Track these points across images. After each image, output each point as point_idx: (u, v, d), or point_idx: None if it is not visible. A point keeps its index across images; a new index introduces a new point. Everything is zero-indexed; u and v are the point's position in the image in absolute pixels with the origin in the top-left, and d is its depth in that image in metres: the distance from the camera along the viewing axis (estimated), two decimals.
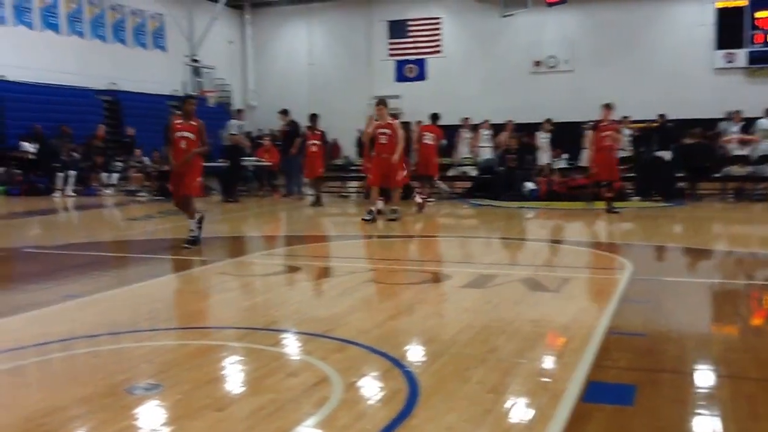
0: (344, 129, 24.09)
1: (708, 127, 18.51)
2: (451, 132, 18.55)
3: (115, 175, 19.72)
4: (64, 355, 4.69)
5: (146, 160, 19.89)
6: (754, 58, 24.34)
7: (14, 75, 20.10)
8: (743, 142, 16.70)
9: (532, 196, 15.64)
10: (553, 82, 26.02)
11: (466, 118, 19.64)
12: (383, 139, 12.06)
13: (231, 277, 7.69)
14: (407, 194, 15.05)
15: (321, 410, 3.54)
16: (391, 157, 11.96)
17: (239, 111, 18.61)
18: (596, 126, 13.30)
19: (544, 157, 18.15)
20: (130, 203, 16.87)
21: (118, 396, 3.79)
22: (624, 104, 13.60)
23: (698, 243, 10.34)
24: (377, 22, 28.60)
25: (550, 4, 24.04)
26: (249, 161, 18.32)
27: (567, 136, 19.64)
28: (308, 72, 29.44)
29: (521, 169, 16.51)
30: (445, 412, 3.51)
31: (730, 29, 24.38)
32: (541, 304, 6.06)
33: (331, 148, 24.92)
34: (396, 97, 25.81)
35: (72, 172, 18.30)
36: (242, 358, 4.59)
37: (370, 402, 3.72)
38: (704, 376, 4.21)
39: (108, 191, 19.02)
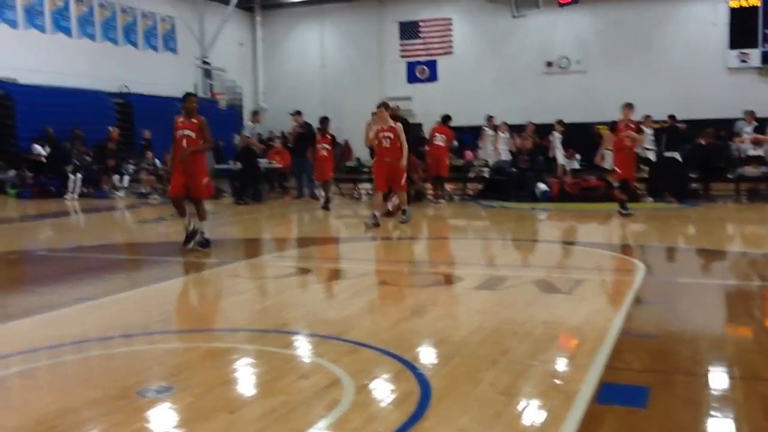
0: (356, 130, 23.86)
1: (721, 127, 18.40)
2: (466, 133, 18.42)
3: (127, 178, 19.77)
4: (76, 358, 4.71)
5: (158, 162, 19.94)
6: None
7: (26, 78, 20.20)
8: (757, 143, 16.57)
9: (545, 197, 15.57)
10: (565, 82, 25.96)
11: (491, 117, 19.34)
12: (386, 143, 11.83)
13: (242, 280, 7.70)
14: (419, 197, 14.96)
15: (332, 413, 3.54)
16: (395, 161, 11.80)
17: (255, 113, 18.60)
18: (615, 126, 13.13)
19: (559, 157, 18.06)
20: (141, 206, 16.91)
21: (130, 398, 3.80)
22: (636, 105, 13.45)
23: (711, 244, 10.26)
24: (389, 23, 28.62)
25: (562, 5, 23.93)
26: (260, 163, 18.30)
27: (578, 136, 19.58)
28: (319, 73, 29.49)
29: (533, 171, 16.45)
30: (458, 414, 3.50)
31: (743, 29, 24.26)
32: (553, 306, 6.03)
33: (343, 150, 24.96)
34: (407, 98, 25.91)
35: (78, 176, 18.34)
36: (254, 360, 4.59)
37: (381, 404, 3.71)
38: (718, 378, 4.17)
39: (119, 194, 19.08)
